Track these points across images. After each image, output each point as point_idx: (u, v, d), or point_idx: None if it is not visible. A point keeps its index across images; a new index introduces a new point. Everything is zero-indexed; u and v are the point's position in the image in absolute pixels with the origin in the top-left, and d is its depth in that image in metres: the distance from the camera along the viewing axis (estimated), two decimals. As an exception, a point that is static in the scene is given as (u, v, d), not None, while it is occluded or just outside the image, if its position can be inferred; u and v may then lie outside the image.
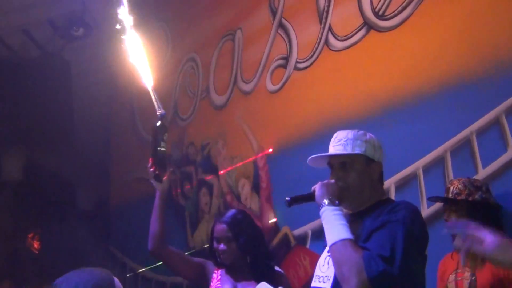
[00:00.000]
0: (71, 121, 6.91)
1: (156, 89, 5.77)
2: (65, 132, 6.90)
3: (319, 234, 3.85)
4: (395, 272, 1.83)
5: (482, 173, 2.93)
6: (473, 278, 2.52)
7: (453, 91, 3.12)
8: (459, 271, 2.60)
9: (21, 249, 7.10)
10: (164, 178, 2.86)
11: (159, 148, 2.87)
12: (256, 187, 4.63)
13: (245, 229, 2.82)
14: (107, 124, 7.28)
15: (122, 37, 3.06)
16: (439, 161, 3.18)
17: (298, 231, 4.06)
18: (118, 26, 3.06)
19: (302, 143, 4.15)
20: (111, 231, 7.05)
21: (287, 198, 2.19)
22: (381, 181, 2.19)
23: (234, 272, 2.82)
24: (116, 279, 1.42)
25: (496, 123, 2.90)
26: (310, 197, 2.13)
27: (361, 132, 2.17)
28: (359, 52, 3.76)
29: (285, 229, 4.21)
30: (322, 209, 2.02)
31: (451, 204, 2.65)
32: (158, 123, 2.89)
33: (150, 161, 2.87)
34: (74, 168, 6.95)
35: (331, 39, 3.98)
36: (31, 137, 6.77)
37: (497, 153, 2.87)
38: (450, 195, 2.65)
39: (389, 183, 3.42)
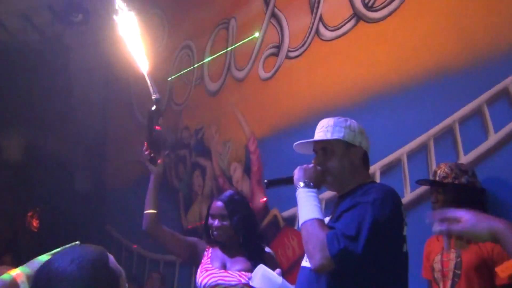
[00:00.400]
0: (69, 104, 6.89)
1: (152, 75, 5.75)
2: (63, 115, 6.87)
3: (307, 216, 3.87)
4: (357, 251, 1.83)
5: (463, 159, 2.95)
6: (458, 259, 2.54)
7: (437, 81, 3.13)
8: (445, 252, 2.62)
9: (21, 227, 7.11)
10: (159, 161, 2.84)
11: (153, 132, 2.84)
12: (247, 171, 4.64)
13: (240, 209, 2.83)
14: (104, 107, 7.25)
15: (118, 23, 3.02)
16: (423, 148, 3.20)
17: (286, 213, 4.08)
18: (115, 12, 3.01)
19: (293, 129, 4.16)
20: (107, 211, 7.05)
21: (265, 180, 2.24)
22: (365, 165, 2.18)
23: (225, 250, 2.83)
24: (110, 256, 1.41)
25: (478, 112, 2.91)
26: (289, 180, 2.16)
27: (342, 118, 2.17)
28: (348, 42, 3.76)
29: (274, 211, 4.23)
30: (298, 191, 2.06)
31: (438, 187, 2.65)
32: (153, 108, 2.84)
33: (145, 144, 2.84)
34: (72, 149, 6.93)
35: (322, 29, 3.97)
36: (31, 120, 6.74)
37: (478, 141, 2.89)
38: (437, 178, 2.65)
39: (375, 168, 3.44)
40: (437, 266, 2.64)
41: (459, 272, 2.52)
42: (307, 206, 2.01)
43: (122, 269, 1.67)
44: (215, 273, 2.74)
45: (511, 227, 1.19)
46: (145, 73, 2.94)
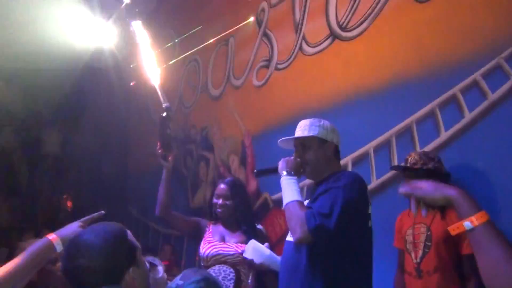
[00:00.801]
0: (97, 106, 6.84)
1: (165, 83, 5.74)
2: (92, 115, 6.84)
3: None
4: (330, 225, 1.88)
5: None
6: (428, 232, 2.51)
7: (399, 89, 3.13)
8: (416, 226, 2.57)
9: (58, 207, 7.08)
10: (170, 158, 2.82)
11: (165, 135, 2.83)
12: (243, 162, 4.63)
13: (240, 192, 2.85)
14: (126, 107, 7.19)
15: (138, 43, 3.00)
16: (386, 143, 3.19)
17: (275, 196, 4.07)
18: (135, 35, 2.98)
19: (280, 127, 4.14)
20: (129, 194, 7.02)
21: (255, 170, 2.28)
22: (337, 157, 2.21)
23: (225, 225, 2.82)
24: (129, 232, 1.41)
25: (431, 114, 2.91)
26: (274, 170, 2.20)
27: (317, 119, 2.20)
28: (326, 56, 3.74)
29: (265, 195, 4.22)
30: (281, 179, 2.10)
31: (409, 172, 2.58)
32: (164, 114, 2.83)
33: (158, 144, 2.83)
34: (99, 143, 6.90)
35: (304, 46, 3.95)
36: (66, 119, 6.71)
37: (431, 138, 2.89)
38: (408, 164, 2.59)
39: (347, 159, 3.43)
40: (409, 238, 2.60)
41: (429, 243, 2.49)
42: (289, 190, 2.05)
43: (139, 243, 1.66)
44: (216, 245, 2.73)
45: (463, 194, 1.20)
46: (156, 86, 2.91)
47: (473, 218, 1.16)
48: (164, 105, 2.84)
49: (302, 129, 2.18)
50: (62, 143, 7.10)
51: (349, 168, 3.41)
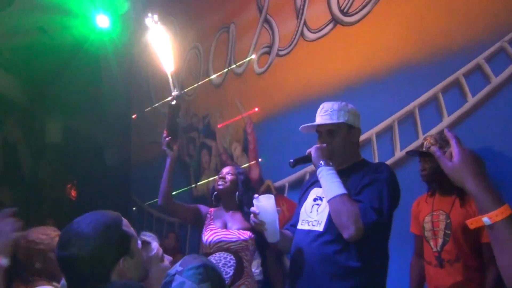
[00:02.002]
0: (99, 94, 6.82)
1: (165, 71, 5.68)
2: (95, 104, 6.82)
3: (294, 185, 3.86)
4: (384, 221, 1.86)
5: (422, 138, 2.92)
6: (448, 220, 2.44)
7: (401, 74, 3.10)
8: (435, 213, 2.51)
9: (62, 196, 7.11)
10: (175, 147, 2.75)
11: (172, 123, 2.76)
12: (245, 149, 4.62)
13: (244, 173, 2.87)
14: (128, 98, 7.18)
15: (150, 31, 2.93)
16: (389, 129, 3.17)
17: (278, 183, 4.07)
18: (147, 22, 2.91)
19: (281, 115, 4.13)
20: (132, 182, 7.03)
21: (290, 160, 2.10)
22: (358, 144, 2.14)
23: (225, 207, 2.81)
24: (124, 220, 1.40)
25: (434, 99, 2.88)
26: (307, 158, 2.06)
27: (344, 103, 2.09)
28: (327, 42, 3.71)
29: (268, 182, 4.21)
30: (319, 169, 1.96)
31: (425, 156, 2.52)
32: (173, 102, 2.74)
33: (165, 132, 2.75)
34: (102, 132, 6.90)
35: (306, 32, 3.91)
36: (68, 108, 6.70)
37: (434, 122, 2.87)
38: (424, 149, 2.51)
39: (349, 146, 3.42)
40: (428, 225, 2.53)
41: (449, 232, 2.42)
42: (332, 182, 1.93)
43: (143, 232, 1.65)
44: (218, 232, 2.71)
45: (483, 188, 1.12)
46: (169, 73, 2.82)
47: (493, 213, 1.08)
48: (174, 93, 2.76)
49: (329, 113, 2.04)
50: (65, 133, 7.11)
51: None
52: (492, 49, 2.61)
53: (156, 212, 6.11)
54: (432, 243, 2.51)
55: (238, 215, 2.76)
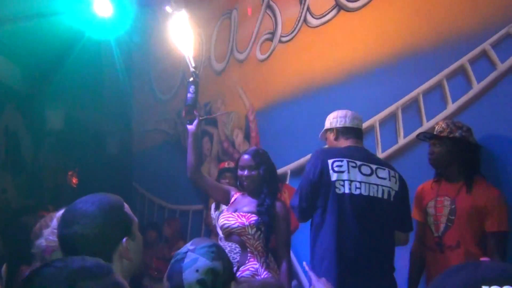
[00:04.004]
0: (101, 82, 6.80)
1: (168, 57, 5.65)
2: (96, 91, 6.80)
3: (296, 172, 3.86)
4: (300, 205, 2.40)
5: (426, 125, 2.91)
6: (453, 206, 2.44)
7: (405, 60, 3.07)
8: (439, 198, 2.51)
9: (63, 184, 7.11)
10: (195, 122, 2.80)
11: (191, 98, 2.82)
12: (247, 136, 4.61)
13: (265, 161, 2.83)
14: (129, 85, 7.15)
15: (171, 18, 2.97)
16: (392, 116, 3.15)
17: (280, 171, 4.04)
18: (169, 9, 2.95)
19: (284, 102, 4.11)
20: (133, 170, 7.04)
21: None
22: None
23: (250, 195, 2.80)
24: (126, 204, 1.40)
25: (438, 85, 2.86)
26: None
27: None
28: (331, 28, 3.67)
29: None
30: None
31: (435, 139, 2.51)
32: (191, 79, 2.82)
33: (184, 110, 2.83)
34: (103, 119, 6.89)
35: (309, 18, 3.87)
36: (70, 95, 6.68)
37: (438, 109, 2.85)
38: (434, 132, 2.52)
39: (352, 133, 3.40)
40: (431, 210, 2.53)
41: (453, 217, 2.42)
42: None
43: (145, 219, 1.65)
44: (224, 216, 2.76)
45: None
46: (188, 54, 2.91)
47: None
48: (191, 70, 2.84)
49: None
50: (66, 120, 7.09)
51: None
52: (498, 34, 2.57)
53: (158, 199, 6.12)
54: (433, 228, 2.51)
55: (254, 200, 2.76)
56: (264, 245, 2.64)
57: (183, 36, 2.92)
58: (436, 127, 2.54)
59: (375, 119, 3.25)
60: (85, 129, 6.89)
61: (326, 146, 2.54)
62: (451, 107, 2.78)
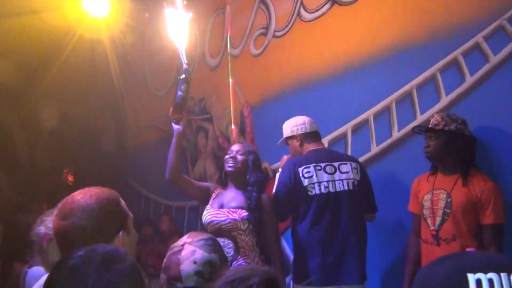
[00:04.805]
0: (94, 78, 6.77)
1: (162, 53, 5.62)
2: (90, 88, 6.78)
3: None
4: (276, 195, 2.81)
5: (420, 118, 2.92)
6: (449, 199, 2.45)
7: (399, 53, 3.07)
8: (435, 191, 2.52)
9: (58, 182, 7.08)
10: (181, 122, 2.73)
11: (179, 97, 2.72)
12: (242, 132, 4.60)
13: (254, 152, 2.85)
14: (123, 81, 7.13)
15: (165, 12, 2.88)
16: (386, 110, 3.15)
17: (275, 166, 4.06)
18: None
19: (278, 97, 4.11)
20: (129, 167, 7.03)
21: None
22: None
23: (234, 185, 2.79)
24: (121, 200, 1.40)
25: (432, 78, 2.86)
26: None
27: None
28: (325, 22, 3.66)
29: (265, 164, 4.19)
30: None
31: (430, 132, 2.51)
32: (182, 76, 2.73)
33: (171, 108, 2.72)
34: (97, 116, 6.86)
35: (303, 12, 3.86)
36: (63, 93, 6.65)
37: (432, 102, 2.86)
38: (430, 125, 2.52)
39: (347, 127, 3.41)
40: (427, 204, 2.54)
41: (449, 211, 2.43)
42: None
43: (140, 215, 1.66)
44: (210, 212, 2.72)
45: None
46: (181, 49, 2.81)
47: None
48: (184, 66, 2.76)
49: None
50: (60, 118, 7.06)
51: (349, 137, 3.39)
52: (491, 27, 2.58)
53: (154, 195, 6.12)
54: (430, 221, 2.51)
55: (240, 194, 2.74)
56: (256, 239, 2.64)
57: (177, 31, 2.87)
58: (431, 120, 2.54)
59: (369, 113, 3.25)
60: (80, 127, 6.86)
61: (290, 154, 2.98)
62: (445, 100, 2.78)
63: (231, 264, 2.55)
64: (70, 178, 7.19)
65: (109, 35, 6.26)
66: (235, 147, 2.83)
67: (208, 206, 2.77)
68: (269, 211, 2.72)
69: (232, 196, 2.76)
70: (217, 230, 2.65)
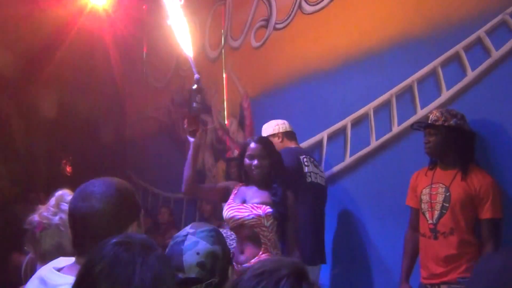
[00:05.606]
0: (93, 69, 6.75)
1: (160, 46, 5.61)
2: (89, 79, 6.75)
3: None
4: None
5: (420, 113, 2.91)
6: (447, 193, 2.45)
7: (399, 47, 3.06)
8: (434, 186, 2.51)
9: (57, 172, 7.08)
10: (197, 134, 2.59)
11: (193, 108, 2.55)
12: (241, 124, 4.59)
13: (274, 149, 2.73)
14: (122, 74, 7.11)
15: (168, 15, 2.77)
16: (386, 104, 3.15)
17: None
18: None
19: (278, 90, 4.10)
20: (127, 158, 7.02)
21: None
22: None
23: (258, 186, 2.67)
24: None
25: (433, 73, 2.85)
26: None
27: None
28: (325, 15, 3.64)
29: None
30: None
31: (430, 128, 2.50)
32: (194, 86, 2.55)
33: (186, 120, 2.58)
34: (96, 107, 6.84)
35: (304, 4, 3.84)
36: (63, 83, 6.63)
37: (433, 97, 2.85)
38: (429, 121, 2.50)
39: (347, 121, 3.40)
40: (425, 198, 2.53)
41: (447, 205, 2.43)
42: None
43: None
44: (233, 207, 2.62)
45: None
46: (190, 57, 2.65)
47: None
48: (195, 76, 2.58)
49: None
50: (59, 108, 7.04)
51: (348, 130, 3.39)
52: (493, 22, 2.56)
53: (152, 187, 6.12)
54: (428, 215, 2.52)
55: (264, 190, 2.64)
56: (279, 236, 2.56)
57: (185, 39, 2.70)
58: (431, 116, 2.53)
59: (369, 107, 3.24)
60: (79, 117, 6.84)
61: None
62: (446, 94, 2.78)
63: (233, 256, 2.52)
64: (68, 168, 7.20)
65: (109, 26, 6.23)
66: (255, 152, 2.65)
67: (230, 200, 2.67)
68: (292, 208, 2.63)
69: (255, 192, 2.66)
70: (239, 226, 2.57)
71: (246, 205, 2.59)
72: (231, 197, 2.71)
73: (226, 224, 2.68)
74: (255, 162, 2.63)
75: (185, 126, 2.58)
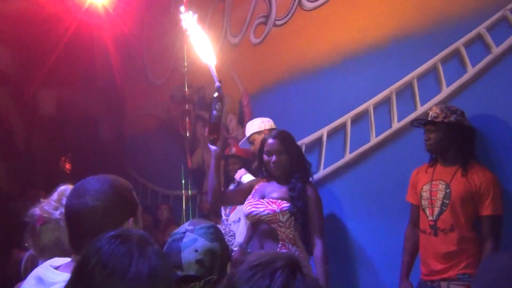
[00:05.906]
0: (94, 68, 6.74)
1: (159, 43, 5.58)
2: (88, 76, 6.74)
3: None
4: None
5: (420, 110, 2.90)
6: (447, 190, 2.45)
7: (399, 43, 3.05)
8: (434, 182, 2.51)
9: (56, 169, 7.07)
10: (218, 142, 2.53)
11: (215, 116, 2.51)
12: (241, 121, 4.59)
13: (293, 143, 2.70)
14: (122, 71, 7.10)
15: (185, 23, 2.69)
16: (386, 100, 3.14)
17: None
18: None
19: (278, 86, 4.08)
20: (127, 155, 7.01)
21: None
22: None
23: (277, 181, 2.66)
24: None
25: (433, 69, 2.84)
26: None
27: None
28: (326, 11, 3.62)
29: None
30: None
31: (430, 125, 2.50)
32: (215, 94, 2.52)
33: (207, 128, 2.56)
34: (95, 105, 6.83)
35: (304, 1, 3.82)
36: (62, 81, 6.62)
37: (433, 93, 2.84)
38: (429, 118, 2.50)
39: (346, 117, 3.39)
40: (425, 194, 2.53)
41: (447, 201, 2.43)
42: None
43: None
44: (251, 203, 2.62)
45: None
46: (211, 65, 2.62)
47: None
48: (216, 84, 2.54)
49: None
50: (58, 105, 7.03)
51: (348, 127, 3.38)
52: (493, 18, 2.55)
53: (151, 184, 6.11)
54: (428, 211, 2.52)
55: (283, 185, 2.63)
56: (298, 232, 2.54)
57: (205, 48, 2.67)
58: (430, 113, 2.52)
59: (369, 103, 3.23)
60: (78, 114, 6.83)
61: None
62: (446, 91, 2.77)
63: (232, 253, 2.53)
64: (68, 166, 7.18)
65: (108, 22, 6.21)
66: (273, 147, 2.63)
67: (250, 196, 2.67)
68: (313, 201, 2.61)
69: (274, 187, 2.65)
70: (257, 222, 2.56)
71: (262, 200, 2.58)
72: (252, 193, 2.70)
73: (229, 221, 2.69)
74: (273, 158, 2.62)
75: (206, 134, 2.55)
